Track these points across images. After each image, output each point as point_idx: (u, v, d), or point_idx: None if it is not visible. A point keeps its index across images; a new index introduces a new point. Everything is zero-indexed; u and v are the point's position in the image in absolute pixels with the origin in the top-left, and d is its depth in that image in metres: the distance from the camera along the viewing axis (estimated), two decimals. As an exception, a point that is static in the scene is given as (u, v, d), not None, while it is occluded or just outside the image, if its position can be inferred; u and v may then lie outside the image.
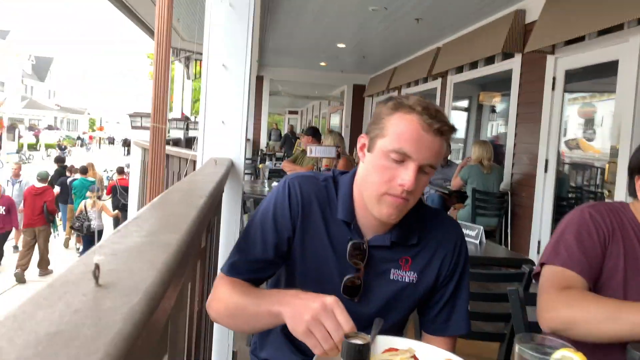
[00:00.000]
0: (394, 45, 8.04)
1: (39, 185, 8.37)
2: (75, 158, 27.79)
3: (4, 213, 8.30)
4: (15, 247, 9.22)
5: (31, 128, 37.25)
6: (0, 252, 8.38)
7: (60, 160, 11.88)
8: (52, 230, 8.92)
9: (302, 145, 6.13)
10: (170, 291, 0.47)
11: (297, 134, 15.07)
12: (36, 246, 8.08)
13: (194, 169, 3.10)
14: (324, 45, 8.54)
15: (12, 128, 32.82)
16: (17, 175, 9.92)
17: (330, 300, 0.90)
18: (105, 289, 0.39)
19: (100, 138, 52.19)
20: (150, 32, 8.79)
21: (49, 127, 42.46)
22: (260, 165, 5.93)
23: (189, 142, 7.81)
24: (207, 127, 2.28)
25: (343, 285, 1.11)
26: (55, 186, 9.70)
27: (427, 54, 7.76)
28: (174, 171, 3.25)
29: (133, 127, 4.27)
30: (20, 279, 7.67)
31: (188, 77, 11.07)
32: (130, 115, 4.24)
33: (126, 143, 43.01)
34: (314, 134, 5.52)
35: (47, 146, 36.52)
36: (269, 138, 15.05)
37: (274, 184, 4.98)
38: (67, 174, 10.67)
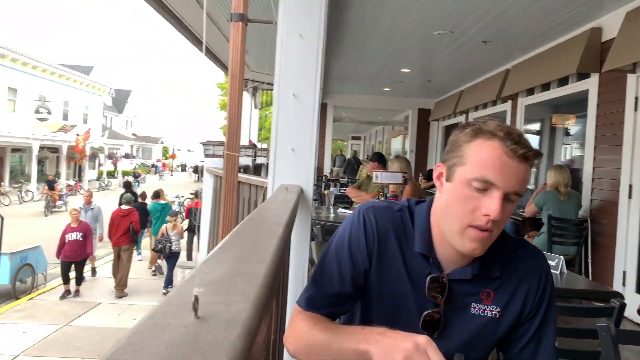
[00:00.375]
0: (461, 68, 7.92)
1: (125, 207, 9.13)
2: (149, 185, 29.32)
3: (81, 239, 8.53)
4: (93, 270, 9.75)
5: (110, 156, 39.78)
6: (81, 276, 8.71)
7: (127, 185, 12.84)
8: (135, 249, 9.70)
9: (364, 172, 6.12)
10: (262, 324, 0.47)
11: (361, 160, 15.10)
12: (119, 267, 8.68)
13: (264, 196, 3.17)
14: (388, 70, 8.57)
15: (93, 157, 35.19)
16: (88, 202, 10.03)
17: (423, 339, 0.87)
18: (204, 321, 0.39)
19: (172, 165, 54.83)
20: (220, 63, 9.20)
21: (126, 156, 45.15)
22: (326, 192, 5.96)
23: (257, 169, 8.03)
24: (277, 154, 2.32)
25: (422, 320, 1.07)
26: None
27: (495, 76, 7.58)
28: (244, 197, 3.33)
29: (206, 155, 4.45)
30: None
31: (255, 107, 11.45)
32: (203, 144, 4.42)
33: (197, 170, 44.95)
34: (379, 159, 5.49)
35: (124, 173, 38.80)
36: (334, 164, 15.16)
37: (340, 210, 4.99)
38: (139, 200, 11.15)
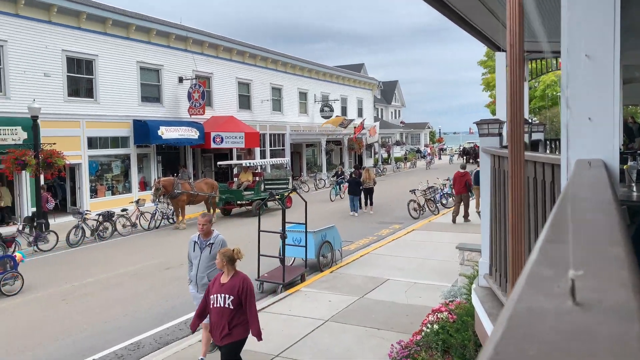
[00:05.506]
0: None
1: (461, 171, 14.77)
2: (416, 170, 30.33)
3: (231, 307, 4.74)
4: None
5: (383, 145, 42.74)
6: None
7: (339, 174, 21.91)
8: (470, 195, 14.88)
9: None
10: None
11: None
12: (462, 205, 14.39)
13: (552, 173, 2.89)
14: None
15: (369, 146, 38.37)
16: (206, 234, 6.00)
17: None
18: (587, 310, 0.36)
19: (438, 149, 55.53)
20: (482, 37, 8.77)
21: (397, 143, 47.76)
22: (626, 167, 5.07)
23: (534, 146, 7.41)
24: (571, 126, 2.09)
25: None
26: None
27: None
28: (529, 176, 3.12)
29: (480, 135, 4.33)
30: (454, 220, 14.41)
31: (524, 79, 10.60)
32: (477, 124, 4.31)
33: (464, 152, 44.43)
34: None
35: (396, 160, 41.07)
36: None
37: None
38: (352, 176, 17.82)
